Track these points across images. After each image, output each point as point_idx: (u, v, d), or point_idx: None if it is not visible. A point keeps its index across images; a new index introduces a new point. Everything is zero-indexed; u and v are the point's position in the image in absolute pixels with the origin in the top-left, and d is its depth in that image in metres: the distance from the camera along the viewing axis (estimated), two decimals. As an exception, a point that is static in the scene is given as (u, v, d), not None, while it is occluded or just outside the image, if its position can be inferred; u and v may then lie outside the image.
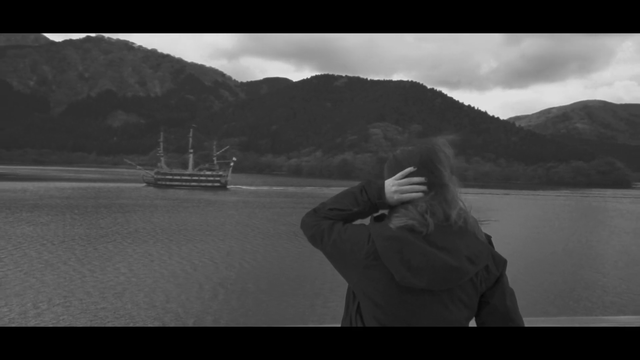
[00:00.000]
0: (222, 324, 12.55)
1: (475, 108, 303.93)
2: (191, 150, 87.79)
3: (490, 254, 1.56)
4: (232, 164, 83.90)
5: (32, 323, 12.15)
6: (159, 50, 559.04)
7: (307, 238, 1.73)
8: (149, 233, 28.47)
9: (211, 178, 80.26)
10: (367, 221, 1.64)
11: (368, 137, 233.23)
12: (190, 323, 12.66)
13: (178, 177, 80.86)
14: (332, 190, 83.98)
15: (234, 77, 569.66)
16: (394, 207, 1.61)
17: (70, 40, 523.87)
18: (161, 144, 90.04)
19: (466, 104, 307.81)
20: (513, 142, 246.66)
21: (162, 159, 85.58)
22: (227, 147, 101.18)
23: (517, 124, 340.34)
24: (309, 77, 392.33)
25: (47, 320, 12.40)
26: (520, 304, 1.47)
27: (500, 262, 1.58)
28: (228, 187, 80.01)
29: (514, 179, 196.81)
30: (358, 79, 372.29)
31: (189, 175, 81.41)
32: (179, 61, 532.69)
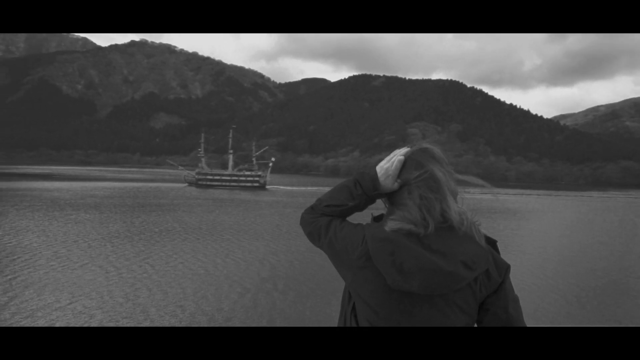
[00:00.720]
0: (221, 324, 12.65)
1: (517, 107, 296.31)
2: (231, 151, 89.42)
3: (491, 259, 1.50)
4: (270, 164, 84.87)
5: (52, 318, 12.67)
6: (200, 53, 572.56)
7: (306, 235, 1.72)
8: (179, 232, 28.93)
9: (250, 178, 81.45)
10: (367, 219, 1.62)
11: (406, 137, 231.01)
12: (197, 323, 12.84)
13: (218, 178, 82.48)
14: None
15: (272, 79, 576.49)
16: (391, 208, 1.58)
17: (116, 45, 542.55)
18: (202, 145, 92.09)
19: (507, 102, 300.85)
20: (557, 142, 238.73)
21: (203, 159, 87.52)
22: (266, 147, 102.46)
23: (561, 122, 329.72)
24: (346, 77, 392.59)
25: (68, 317, 12.81)
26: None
27: (502, 268, 1.52)
28: (267, 187, 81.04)
29: (558, 180, 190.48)
30: (396, 78, 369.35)
31: (229, 175, 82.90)
32: (219, 63, 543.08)
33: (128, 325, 12.20)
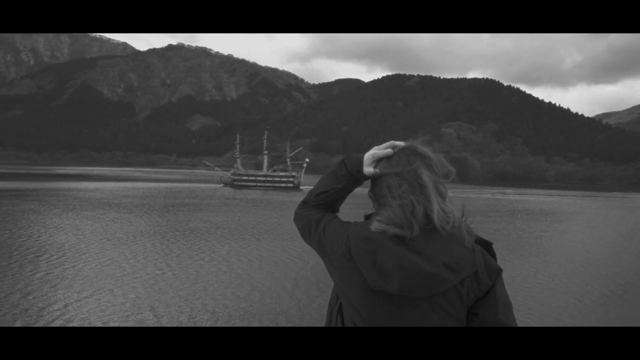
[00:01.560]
0: (219, 324, 12.73)
1: (557, 105, 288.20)
2: (265, 152, 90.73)
3: (481, 262, 1.46)
4: (305, 165, 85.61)
5: (64, 313, 13.06)
6: (235, 55, 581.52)
7: (299, 232, 1.71)
8: (205, 230, 29.27)
9: (285, 179, 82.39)
10: (361, 219, 1.60)
11: (440, 137, 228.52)
12: (196, 322, 12.95)
13: (253, 178, 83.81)
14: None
15: (306, 80, 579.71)
16: (377, 207, 1.54)
17: (154, 49, 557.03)
18: (237, 146, 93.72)
19: (546, 100, 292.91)
20: (598, 141, 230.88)
21: (238, 160, 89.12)
22: (300, 148, 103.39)
23: (604, 121, 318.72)
24: (380, 77, 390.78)
25: (81, 314, 13.14)
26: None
27: (493, 271, 1.47)
28: (301, 187, 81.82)
29: (600, 180, 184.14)
30: (430, 77, 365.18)
31: (264, 176, 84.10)
32: (254, 65, 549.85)
33: (127, 325, 12.50)
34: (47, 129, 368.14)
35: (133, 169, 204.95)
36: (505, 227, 36.75)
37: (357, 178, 1.64)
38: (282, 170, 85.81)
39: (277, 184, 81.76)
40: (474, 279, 1.42)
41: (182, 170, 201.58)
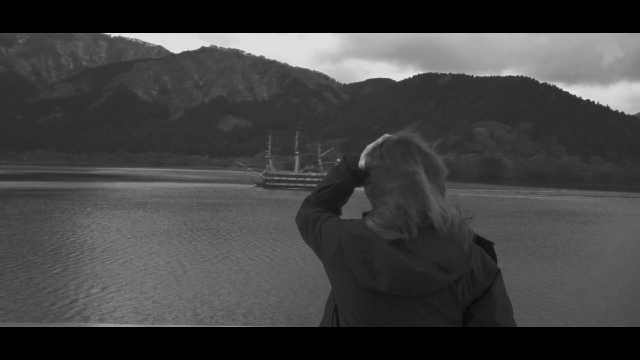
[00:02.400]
0: (216, 324, 12.81)
1: (595, 103, 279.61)
2: (297, 152, 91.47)
3: (479, 262, 1.41)
4: (336, 165, 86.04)
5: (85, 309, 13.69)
6: (266, 56, 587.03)
7: (299, 230, 1.69)
8: (222, 231, 29.81)
9: (316, 179, 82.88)
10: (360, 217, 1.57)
11: (472, 137, 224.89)
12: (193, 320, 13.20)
13: (285, 179, 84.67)
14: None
15: (337, 80, 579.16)
16: (374, 205, 1.50)
17: (187, 52, 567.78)
18: (269, 146, 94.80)
19: (585, 98, 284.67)
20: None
21: (270, 160, 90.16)
22: (332, 149, 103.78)
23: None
24: (411, 76, 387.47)
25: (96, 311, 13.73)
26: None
27: (491, 272, 1.42)
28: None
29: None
30: (463, 76, 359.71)
31: (295, 176, 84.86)
32: (285, 66, 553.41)
33: (127, 324, 12.99)
34: (85, 130, 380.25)
35: (166, 169, 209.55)
36: (530, 228, 36.12)
37: (355, 172, 1.64)
38: (313, 171, 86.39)
39: (309, 184, 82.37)
40: (470, 279, 1.38)
41: (214, 171, 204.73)
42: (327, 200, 1.66)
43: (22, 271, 17.83)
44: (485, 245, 1.46)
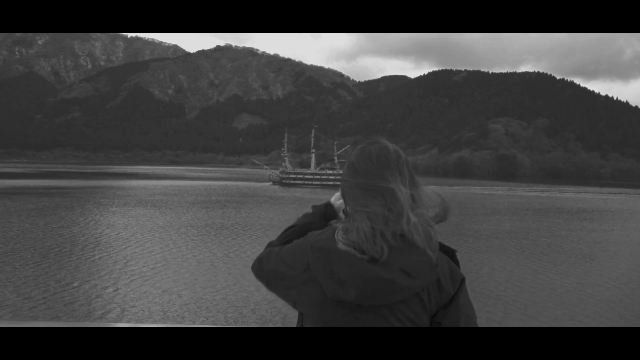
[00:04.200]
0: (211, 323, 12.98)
1: (615, 98, 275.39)
2: (313, 150, 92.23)
3: (447, 269, 1.41)
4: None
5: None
6: (281, 55, 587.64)
7: (264, 284, 1.58)
8: (221, 228, 30.32)
9: (332, 177, 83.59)
10: None
11: (487, 133, 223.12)
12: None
13: (301, 176, 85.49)
14: (450, 189, 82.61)
15: (352, 77, 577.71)
16: (345, 222, 1.44)
17: (203, 51, 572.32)
18: (285, 144, 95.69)
19: (604, 94, 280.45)
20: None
21: (287, 158, 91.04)
22: (348, 146, 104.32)
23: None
24: (426, 73, 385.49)
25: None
26: None
27: (457, 279, 1.42)
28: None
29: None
30: (478, 72, 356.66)
31: (311, 174, 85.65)
32: (299, 64, 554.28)
33: (126, 324, 13.60)
34: (102, 129, 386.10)
35: (181, 167, 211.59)
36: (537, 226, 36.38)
37: (325, 211, 1.66)
38: (329, 169, 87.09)
39: (325, 182, 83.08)
40: (437, 287, 1.38)
41: (230, 169, 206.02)
42: (293, 239, 1.57)
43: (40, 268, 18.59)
44: (447, 252, 1.46)
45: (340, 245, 1.36)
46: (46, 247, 22.74)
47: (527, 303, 15.66)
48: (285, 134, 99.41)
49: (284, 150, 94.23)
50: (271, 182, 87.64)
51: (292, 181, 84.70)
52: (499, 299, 15.96)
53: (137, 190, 63.96)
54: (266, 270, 1.53)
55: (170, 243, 24.40)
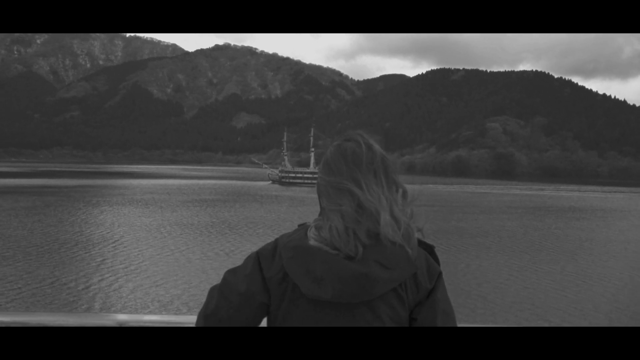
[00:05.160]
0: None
1: (612, 97, 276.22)
2: (312, 149, 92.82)
3: (424, 264, 1.37)
4: None
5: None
6: (280, 54, 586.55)
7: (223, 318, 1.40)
8: (209, 226, 30.87)
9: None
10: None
11: (485, 132, 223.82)
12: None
13: (300, 175, 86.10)
14: (446, 187, 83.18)
15: (351, 76, 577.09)
16: (318, 220, 1.39)
17: (201, 50, 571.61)
18: (284, 143, 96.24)
19: (602, 92, 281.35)
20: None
21: (286, 157, 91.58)
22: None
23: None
24: (424, 72, 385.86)
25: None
26: None
27: (433, 274, 1.38)
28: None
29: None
30: (476, 71, 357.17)
31: (311, 173, 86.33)
32: (298, 63, 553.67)
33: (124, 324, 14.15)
34: (100, 128, 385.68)
35: (180, 166, 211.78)
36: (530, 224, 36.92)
37: None
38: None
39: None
40: (414, 281, 1.34)
41: (228, 168, 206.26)
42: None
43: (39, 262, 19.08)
44: (426, 248, 1.42)
45: (313, 242, 1.32)
46: (31, 244, 22.91)
47: (497, 301, 15.72)
48: (285, 133, 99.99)
49: (283, 149, 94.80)
50: (271, 181, 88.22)
51: (291, 180, 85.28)
52: (469, 296, 16.03)
53: (131, 189, 64.36)
54: (233, 303, 1.38)
55: (170, 242, 24.89)
